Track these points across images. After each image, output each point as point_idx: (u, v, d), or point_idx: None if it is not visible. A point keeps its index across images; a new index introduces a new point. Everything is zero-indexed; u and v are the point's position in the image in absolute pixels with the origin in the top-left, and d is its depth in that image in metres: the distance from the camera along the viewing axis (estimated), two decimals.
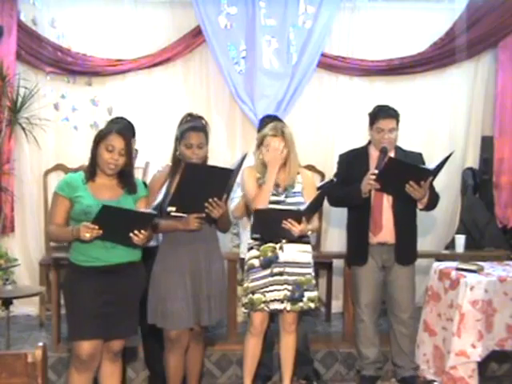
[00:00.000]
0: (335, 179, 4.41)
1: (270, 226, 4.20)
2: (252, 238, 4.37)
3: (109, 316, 3.85)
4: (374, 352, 4.95)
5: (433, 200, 4.78)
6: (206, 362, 5.08)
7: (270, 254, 4.32)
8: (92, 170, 3.89)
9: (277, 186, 4.35)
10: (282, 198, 4.34)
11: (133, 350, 4.94)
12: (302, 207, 4.24)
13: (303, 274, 4.36)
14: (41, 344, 2.98)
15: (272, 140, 4.31)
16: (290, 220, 4.17)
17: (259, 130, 4.89)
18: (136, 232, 3.75)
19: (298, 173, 4.44)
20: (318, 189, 4.63)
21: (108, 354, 3.98)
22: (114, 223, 3.69)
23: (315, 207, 4.37)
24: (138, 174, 4.63)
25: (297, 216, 4.18)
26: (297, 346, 4.61)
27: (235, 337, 5.33)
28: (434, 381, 4.83)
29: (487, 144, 6.79)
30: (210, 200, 4.01)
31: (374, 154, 4.82)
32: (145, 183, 4.25)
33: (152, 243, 4.01)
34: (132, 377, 5.07)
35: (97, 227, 3.67)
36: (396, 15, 6.74)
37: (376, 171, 4.57)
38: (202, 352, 4.58)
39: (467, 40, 6.60)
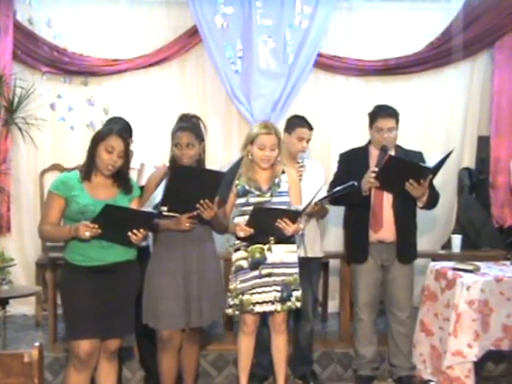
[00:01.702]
0: (356, 183, 4.40)
1: (263, 223, 4.16)
2: (238, 238, 4.34)
3: (106, 315, 3.85)
4: (371, 351, 4.95)
5: (432, 198, 4.79)
6: (203, 362, 5.08)
7: (258, 255, 4.29)
8: (88, 170, 3.88)
9: (259, 188, 4.33)
10: (267, 197, 4.31)
11: (129, 349, 4.93)
12: (300, 207, 4.21)
13: (290, 274, 4.33)
14: (37, 344, 2.98)
15: (265, 138, 4.30)
16: (285, 219, 4.15)
17: (286, 130, 4.88)
18: (135, 231, 3.76)
19: (284, 172, 4.42)
20: (337, 192, 4.57)
21: (105, 354, 3.99)
22: (115, 222, 3.70)
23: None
24: (133, 176, 4.62)
25: (293, 216, 4.17)
26: (299, 343, 4.60)
27: (231, 337, 5.32)
28: (431, 381, 4.83)
29: (483, 144, 6.80)
30: (202, 201, 4.01)
31: (374, 153, 4.82)
32: (141, 187, 4.25)
33: (143, 243, 4.01)
34: (128, 376, 5.07)
35: (96, 226, 3.67)
36: (392, 15, 6.74)
37: (376, 169, 4.57)
38: (198, 352, 4.57)
39: (463, 40, 6.60)
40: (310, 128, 4.93)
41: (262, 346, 4.61)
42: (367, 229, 4.80)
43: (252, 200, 4.29)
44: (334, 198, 4.81)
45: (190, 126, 4.25)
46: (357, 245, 4.92)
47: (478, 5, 6.63)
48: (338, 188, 4.56)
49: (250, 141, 4.36)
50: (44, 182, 6.41)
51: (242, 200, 4.34)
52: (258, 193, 4.32)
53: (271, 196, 4.32)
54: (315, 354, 5.26)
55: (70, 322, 3.89)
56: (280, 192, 4.33)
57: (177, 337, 4.26)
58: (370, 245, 4.82)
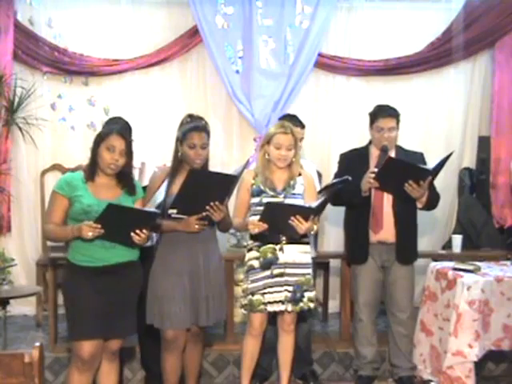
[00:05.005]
0: (350, 178, 4.43)
1: (276, 219, 4.14)
2: (251, 238, 4.37)
3: (109, 315, 3.85)
4: (372, 351, 4.95)
5: (432, 200, 4.78)
6: (203, 362, 5.07)
7: (269, 255, 4.30)
8: (92, 170, 3.89)
9: (274, 188, 4.34)
10: (280, 198, 4.31)
11: (130, 349, 4.93)
12: (314, 205, 4.20)
13: (303, 275, 4.34)
14: (38, 344, 2.98)
15: (281, 137, 4.29)
16: (298, 217, 4.12)
17: None
18: (137, 231, 3.76)
19: (300, 174, 4.42)
20: (331, 185, 4.59)
21: (106, 354, 3.98)
22: (117, 222, 3.70)
23: (324, 206, 4.36)
24: (134, 174, 4.62)
25: (306, 213, 4.14)
26: (298, 344, 4.60)
27: (232, 337, 5.33)
28: (431, 381, 4.83)
29: (484, 144, 6.79)
30: (212, 204, 4.01)
31: (374, 153, 4.82)
32: (143, 187, 4.25)
33: (148, 243, 4.01)
34: (129, 377, 5.07)
35: (99, 226, 3.67)
36: (393, 15, 6.75)
37: (375, 170, 4.57)
38: (201, 352, 4.58)
39: (464, 40, 6.61)
40: (302, 126, 4.92)
41: (264, 346, 4.60)
42: (367, 230, 4.80)
43: (265, 200, 4.28)
44: (333, 199, 4.81)
45: (204, 126, 4.21)
46: (357, 246, 4.92)
47: (478, 5, 6.63)
48: (332, 182, 4.58)
49: (267, 140, 4.35)
50: (44, 182, 6.41)
51: (255, 200, 4.34)
52: (271, 193, 4.32)
53: (284, 197, 4.31)
54: (316, 354, 5.26)
55: (73, 323, 3.88)
56: (294, 194, 4.34)
57: (182, 337, 4.25)
58: (371, 245, 4.82)
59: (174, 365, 4.30)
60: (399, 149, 4.88)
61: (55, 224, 3.85)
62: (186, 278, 4.16)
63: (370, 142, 4.92)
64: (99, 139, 3.88)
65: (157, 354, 4.39)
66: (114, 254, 3.84)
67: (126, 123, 4.82)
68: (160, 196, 4.14)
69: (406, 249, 4.84)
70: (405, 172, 4.53)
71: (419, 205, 4.75)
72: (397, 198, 4.71)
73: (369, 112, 4.90)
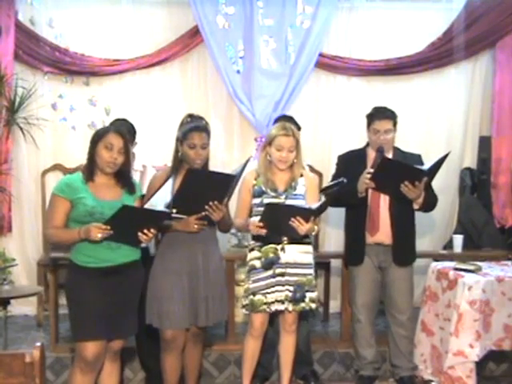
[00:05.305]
0: (345, 180, 4.43)
1: (277, 220, 4.14)
2: (253, 239, 4.37)
3: (112, 316, 3.85)
4: (372, 352, 4.95)
5: (429, 201, 4.77)
6: (204, 362, 5.07)
7: (271, 255, 4.31)
8: (91, 170, 3.87)
9: (275, 189, 4.34)
10: (281, 199, 4.32)
11: (130, 349, 4.92)
12: (314, 206, 4.21)
13: (304, 275, 4.35)
14: (38, 344, 2.98)
15: (283, 139, 4.29)
16: (298, 218, 4.13)
17: None
18: (145, 231, 3.76)
19: (302, 175, 4.43)
20: (327, 188, 4.60)
21: (108, 354, 3.97)
22: (128, 223, 3.70)
23: (324, 208, 4.36)
24: (135, 177, 4.61)
25: (307, 215, 4.15)
26: (298, 346, 4.60)
27: (233, 337, 5.33)
28: (432, 381, 4.83)
29: (485, 144, 6.79)
30: (211, 203, 4.01)
31: (371, 155, 4.82)
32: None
33: (143, 244, 4.01)
34: (130, 377, 5.07)
35: (109, 227, 3.67)
36: (394, 15, 6.74)
37: (371, 170, 4.57)
38: (201, 352, 4.57)
39: (465, 40, 6.60)
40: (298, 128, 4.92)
41: (263, 346, 4.60)
42: (364, 231, 4.79)
43: (266, 201, 4.28)
44: (331, 199, 4.81)
45: (204, 126, 4.21)
46: (354, 247, 4.92)
47: (479, 5, 6.63)
48: (328, 185, 4.58)
49: (269, 142, 4.36)
50: (45, 182, 6.41)
51: (257, 200, 4.35)
52: (273, 194, 4.33)
53: (286, 198, 4.32)
54: (317, 354, 5.26)
55: (77, 324, 3.86)
56: (295, 195, 4.34)
57: (181, 337, 4.25)
58: (367, 246, 4.81)
59: (173, 365, 4.31)
60: (397, 150, 4.88)
61: (57, 227, 3.83)
62: (184, 278, 4.16)
63: (368, 144, 4.92)
64: (97, 138, 3.86)
65: (156, 354, 4.39)
66: (119, 254, 3.84)
67: (131, 125, 4.81)
68: (161, 196, 4.13)
69: (403, 251, 4.83)
70: (400, 172, 4.52)
71: (416, 206, 4.74)
72: (393, 199, 4.71)
73: (366, 114, 4.90)
